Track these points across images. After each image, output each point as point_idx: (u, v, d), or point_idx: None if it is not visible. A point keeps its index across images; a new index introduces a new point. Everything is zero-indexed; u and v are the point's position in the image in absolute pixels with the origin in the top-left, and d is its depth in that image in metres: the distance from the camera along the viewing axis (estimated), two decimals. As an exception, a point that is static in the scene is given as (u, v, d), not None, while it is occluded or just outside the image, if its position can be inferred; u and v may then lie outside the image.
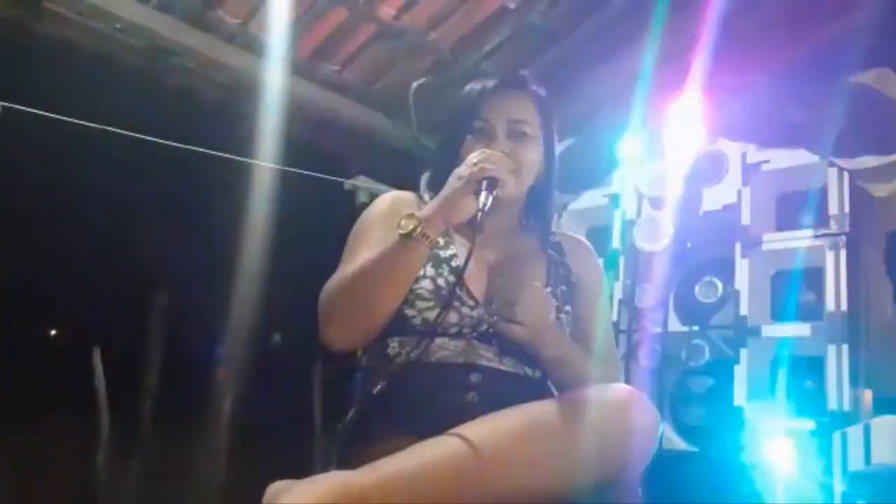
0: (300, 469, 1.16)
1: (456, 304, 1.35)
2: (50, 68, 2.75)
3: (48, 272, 3.08)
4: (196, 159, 2.79)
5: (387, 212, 1.47)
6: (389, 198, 1.53)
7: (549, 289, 1.43)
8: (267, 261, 3.03)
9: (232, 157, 2.91)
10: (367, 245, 1.39)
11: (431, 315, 1.32)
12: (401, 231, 1.28)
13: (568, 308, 1.45)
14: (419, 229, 1.28)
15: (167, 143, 2.73)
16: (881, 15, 2.71)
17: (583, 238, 1.64)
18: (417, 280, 1.35)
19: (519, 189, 1.46)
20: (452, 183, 1.32)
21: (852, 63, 2.65)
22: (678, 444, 2.87)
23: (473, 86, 1.50)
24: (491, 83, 1.48)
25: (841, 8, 2.86)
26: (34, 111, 2.52)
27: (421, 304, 1.33)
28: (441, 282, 1.36)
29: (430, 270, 1.36)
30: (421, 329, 1.33)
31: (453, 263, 1.39)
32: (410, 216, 1.30)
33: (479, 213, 1.28)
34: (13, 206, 2.74)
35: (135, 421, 3.16)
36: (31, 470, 2.85)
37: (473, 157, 1.34)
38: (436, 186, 1.40)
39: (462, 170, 1.32)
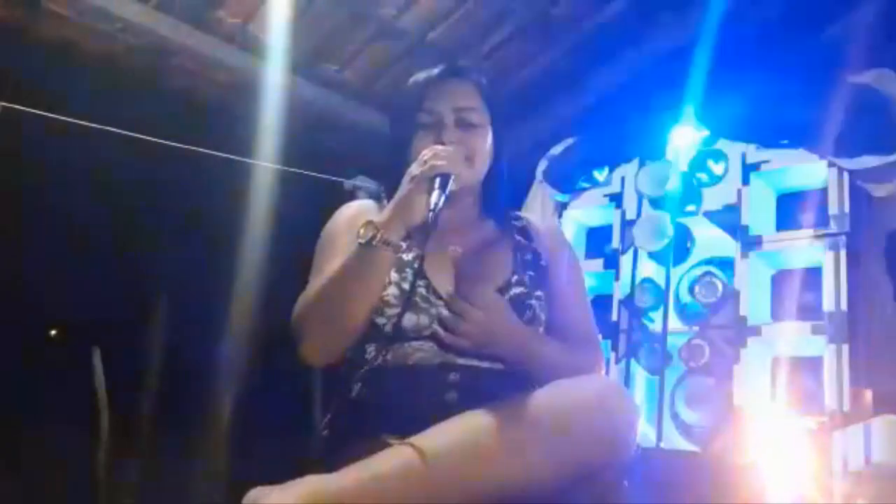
0: (299, 469, 1.15)
1: (425, 306, 1.35)
2: (50, 68, 2.75)
3: (48, 272, 3.08)
4: (196, 159, 2.79)
5: (351, 219, 1.46)
6: (354, 206, 1.53)
7: (514, 276, 1.42)
8: (266, 261, 3.03)
9: (232, 157, 2.91)
10: (334, 255, 1.37)
11: (401, 321, 1.32)
12: (360, 241, 1.27)
13: (539, 293, 1.43)
14: (378, 236, 1.27)
15: (167, 143, 2.73)
16: (881, 15, 2.71)
17: (552, 221, 1.60)
18: (384, 287, 1.33)
19: (474, 177, 1.46)
20: (405, 184, 1.31)
21: (852, 63, 2.65)
22: (678, 443, 2.87)
23: (416, 78, 1.49)
24: (434, 72, 1.48)
25: (841, 8, 2.86)
26: (34, 111, 2.52)
27: (389, 311, 1.33)
28: (406, 286, 1.35)
29: (394, 276, 1.35)
30: (392, 335, 1.32)
31: (416, 266, 1.37)
32: (368, 223, 1.28)
33: (430, 214, 1.26)
34: (13, 206, 2.74)
35: (135, 421, 3.16)
36: (31, 470, 2.85)
37: (424, 154, 1.32)
38: (391, 188, 1.38)
39: (413, 169, 1.31)
